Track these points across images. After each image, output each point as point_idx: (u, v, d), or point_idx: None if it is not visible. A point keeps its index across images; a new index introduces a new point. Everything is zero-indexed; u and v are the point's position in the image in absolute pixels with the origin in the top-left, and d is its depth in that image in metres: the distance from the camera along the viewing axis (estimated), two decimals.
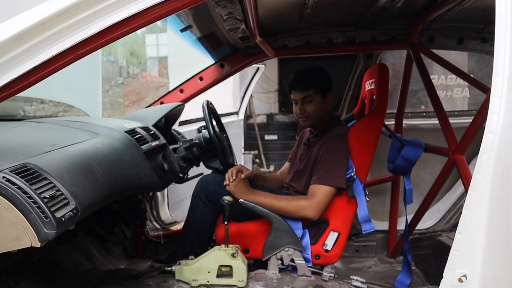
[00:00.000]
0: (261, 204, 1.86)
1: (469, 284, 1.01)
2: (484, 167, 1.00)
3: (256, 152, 7.00)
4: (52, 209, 1.09)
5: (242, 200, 1.85)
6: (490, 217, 0.99)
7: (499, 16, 1.01)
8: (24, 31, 1.00)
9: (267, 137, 7.23)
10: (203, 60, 2.75)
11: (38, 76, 1.05)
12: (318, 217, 1.87)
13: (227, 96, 6.10)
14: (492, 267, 1.00)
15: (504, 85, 0.98)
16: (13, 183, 1.05)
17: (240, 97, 4.38)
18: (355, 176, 1.88)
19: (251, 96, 7.43)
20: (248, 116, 7.44)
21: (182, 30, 2.10)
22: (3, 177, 1.06)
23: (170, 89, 2.73)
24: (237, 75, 6.08)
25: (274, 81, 8.50)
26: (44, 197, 1.08)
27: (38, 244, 1.05)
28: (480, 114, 1.69)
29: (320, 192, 1.84)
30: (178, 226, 2.86)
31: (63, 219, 1.10)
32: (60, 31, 1.03)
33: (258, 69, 3.87)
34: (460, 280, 1.01)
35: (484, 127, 1.03)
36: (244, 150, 4.70)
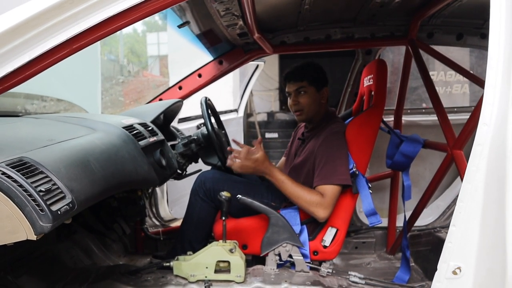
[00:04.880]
0: (279, 182, 1.84)
1: (463, 277, 1.01)
2: (478, 159, 0.99)
3: None
4: (48, 202, 1.08)
5: (240, 196, 1.85)
6: (485, 209, 0.99)
7: (494, 8, 1.01)
8: (19, 24, 1.00)
9: (267, 135, 7.24)
10: (202, 57, 2.75)
11: (33, 70, 1.05)
12: (327, 218, 1.86)
13: (227, 94, 6.10)
14: (486, 259, 0.99)
15: (498, 77, 0.98)
16: (9, 177, 1.05)
17: (240, 94, 4.38)
18: (357, 172, 1.88)
19: (252, 94, 7.44)
20: (248, 114, 7.45)
21: (179, 26, 2.10)
22: None
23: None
24: (237, 72, 6.10)
25: (274, 79, 8.50)
26: (40, 191, 1.08)
27: (34, 237, 1.05)
28: (478, 109, 1.67)
29: (329, 192, 1.82)
30: (178, 223, 2.86)
31: (59, 212, 1.10)
32: (55, 25, 1.03)
33: (257, 66, 3.87)
34: (454, 273, 1.01)
35: None
36: None
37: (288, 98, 2.08)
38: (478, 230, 0.99)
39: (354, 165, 1.89)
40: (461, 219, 1.01)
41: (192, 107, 3.09)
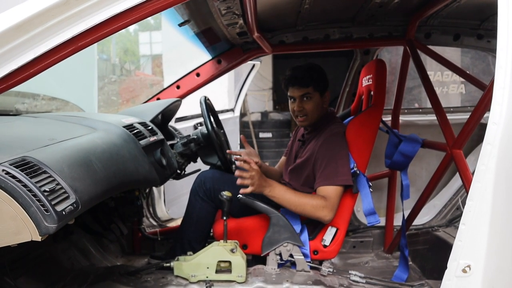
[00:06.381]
0: (280, 198, 1.81)
1: (473, 275, 1.01)
2: (488, 158, 1.00)
3: None
4: (53, 202, 1.07)
5: (241, 196, 1.83)
6: (494, 208, 0.99)
7: (501, 8, 1.01)
8: (24, 21, 0.98)
9: (261, 134, 7.23)
10: (197, 56, 2.74)
11: (38, 67, 1.04)
12: (332, 219, 1.85)
13: (222, 94, 6.09)
14: (496, 257, 1.00)
15: (508, 76, 0.99)
16: (13, 176, 1.03)
17: (236, 94, 4.37)
18: (358, 171, 1.88)
19: (246, 94, 7.44)
20: (242, 114, 7.44)
21: (180, 25, 2.09)
22: (3, 170, 1.04)
23: (165, 86, 2.71)
24: (232, 72, 6.08)
25: (268, 79, 8.50)
26: (45, 191, 1.07)
27: (38, 238, 1.03)
28: (478, 109, 1.70)
29: (333, 193, 1.82)
30: (175, 223, 2.85)
31: (63, 212, 1.08)
32: (61, 22, 1.01)
33: (254, 65, 3.86)
34: (464, 271, 1.02)
35: (481, 123, 1.04)
36: (240, 147, 4.71)
37: (290, 101, 2.04)
38: (488, 228, 1.00)
39: (355, 164, 1.89)
40: (471, 217, 1.02)
41: (188, 106, 3.07)
